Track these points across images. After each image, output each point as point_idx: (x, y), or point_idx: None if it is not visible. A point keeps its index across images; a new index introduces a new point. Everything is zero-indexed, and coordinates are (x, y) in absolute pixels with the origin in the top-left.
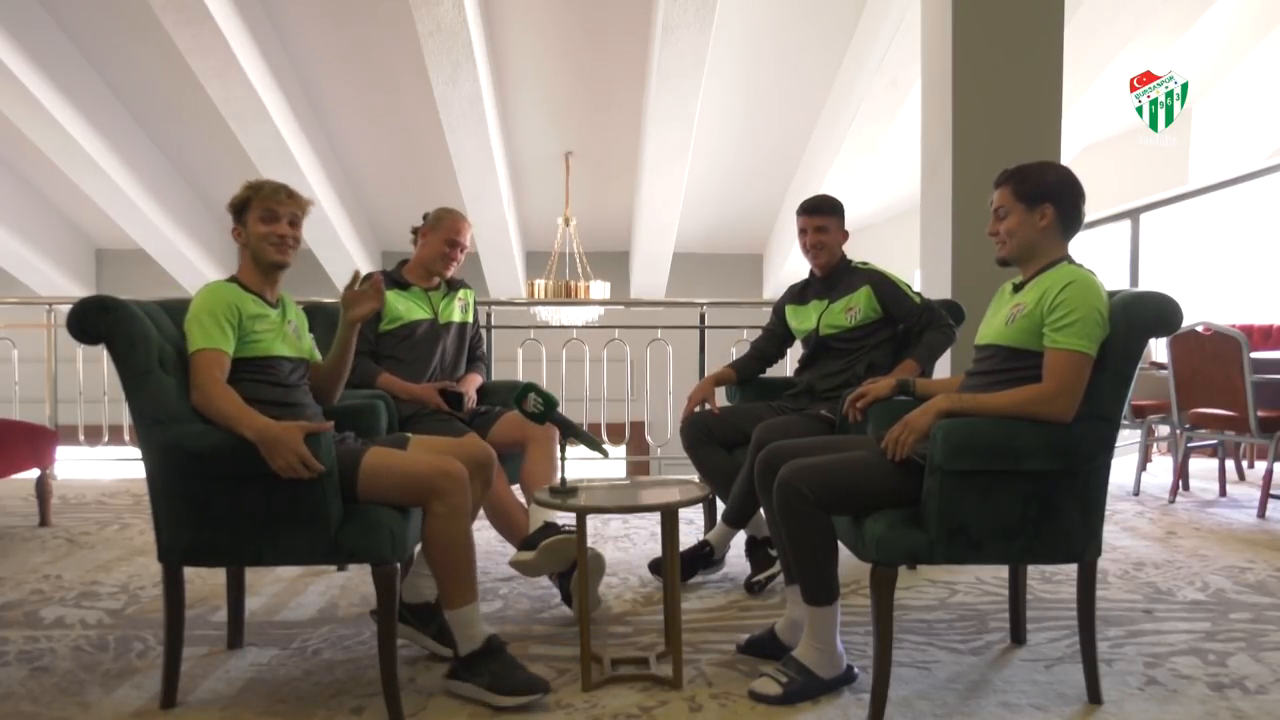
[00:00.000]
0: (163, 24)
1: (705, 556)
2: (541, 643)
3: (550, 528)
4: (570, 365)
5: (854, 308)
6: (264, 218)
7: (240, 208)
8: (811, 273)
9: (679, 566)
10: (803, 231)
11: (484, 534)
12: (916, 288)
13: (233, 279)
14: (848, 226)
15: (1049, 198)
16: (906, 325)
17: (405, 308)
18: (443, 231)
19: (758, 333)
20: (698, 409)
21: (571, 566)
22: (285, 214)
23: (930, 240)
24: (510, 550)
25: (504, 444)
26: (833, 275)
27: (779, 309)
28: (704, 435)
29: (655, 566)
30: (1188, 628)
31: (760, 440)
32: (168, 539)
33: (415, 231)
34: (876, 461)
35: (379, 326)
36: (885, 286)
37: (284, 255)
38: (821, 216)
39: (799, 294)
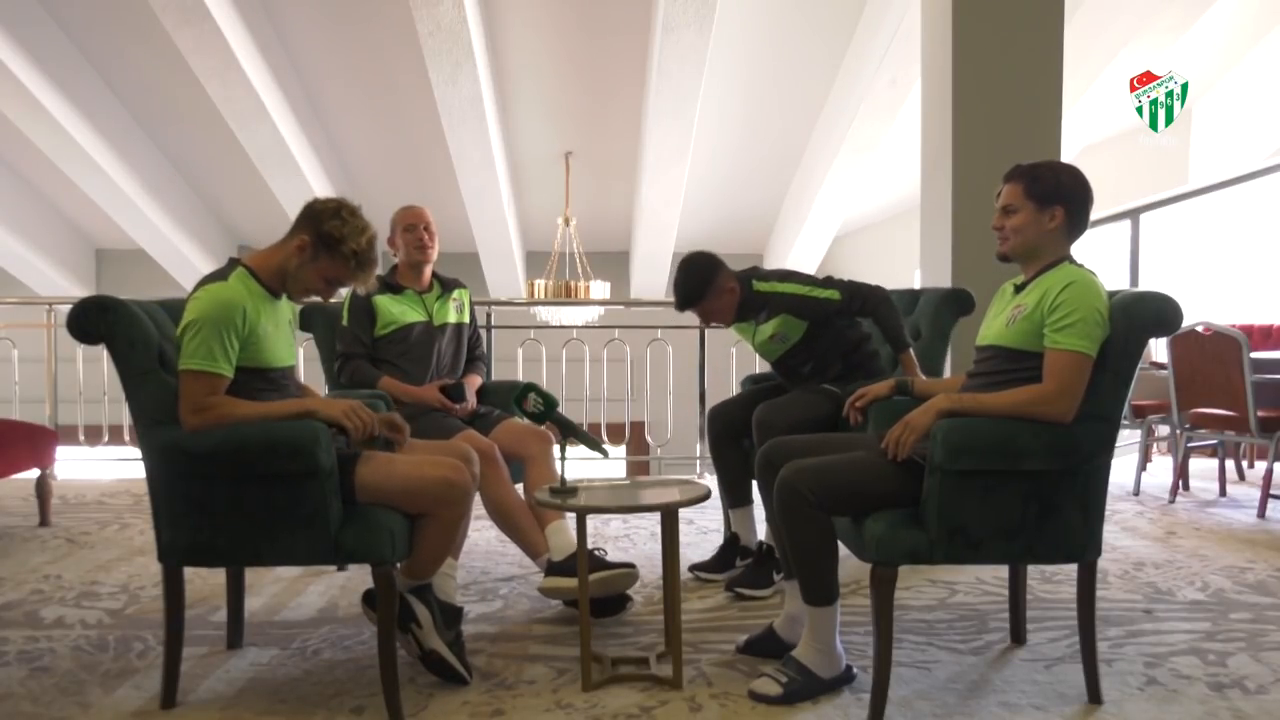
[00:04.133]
0: (163, 24)
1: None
2: (541, 643)
3: (595, 560)
4: (570, 365)
5: (778, 334)
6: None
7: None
8: None
9: (679, 566)
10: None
11: (485, 534)
12: (916, 285)
13: (246, 269)
14: (848, 228)
15: (1061, 199)
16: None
17: (399, 311)
18: (400, 225)
19: None
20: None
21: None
22: None
23: (930, 240)
24: (512, 550)
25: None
26: (741, 310)
27: None
28: (728, 430)
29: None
30: (1188, 628)
31: (760, 421)
32: (168, 539)
33: (390, 245)
34: (876, 462)
35: (375, 331)
36: (797, 306)
37: None
38: (693, 308)
39: None
